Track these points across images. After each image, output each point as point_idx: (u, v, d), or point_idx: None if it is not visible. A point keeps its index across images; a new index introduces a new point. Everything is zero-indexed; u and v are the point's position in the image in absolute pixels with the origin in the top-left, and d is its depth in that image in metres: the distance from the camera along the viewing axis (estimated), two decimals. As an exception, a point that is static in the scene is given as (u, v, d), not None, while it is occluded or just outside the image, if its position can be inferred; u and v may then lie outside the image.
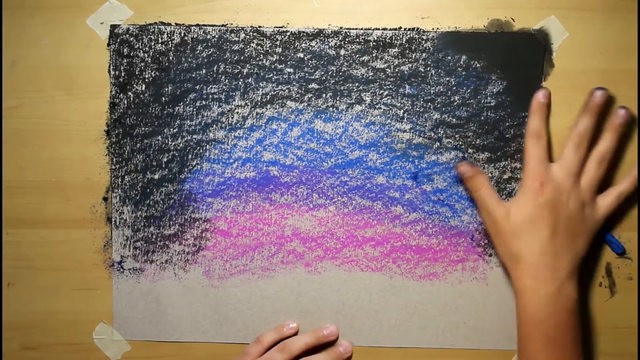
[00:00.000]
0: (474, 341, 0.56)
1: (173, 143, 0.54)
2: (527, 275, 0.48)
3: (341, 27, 0.53)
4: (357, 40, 0.53)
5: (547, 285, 0.47)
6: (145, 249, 0.55)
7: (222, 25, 0.53)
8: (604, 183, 0.51)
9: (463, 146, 0.54)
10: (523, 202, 0.49)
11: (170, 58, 0.53)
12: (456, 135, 0.54)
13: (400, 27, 0.53)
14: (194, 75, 0.53)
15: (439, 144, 0.54)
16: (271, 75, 0.53)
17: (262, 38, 0.53)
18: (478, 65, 0.53)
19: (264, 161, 0.54)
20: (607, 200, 0.51)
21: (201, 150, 0.54)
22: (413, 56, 0.53)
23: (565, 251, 0.48)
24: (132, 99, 0.54)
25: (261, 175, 0.55)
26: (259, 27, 0.53)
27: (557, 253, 0.48)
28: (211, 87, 0.54)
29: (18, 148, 0.54)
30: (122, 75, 0.53)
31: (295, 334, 0.55)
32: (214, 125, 0.54)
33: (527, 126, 0.51)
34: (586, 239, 0.50)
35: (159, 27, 0.53)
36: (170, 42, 0.53)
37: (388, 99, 0.54)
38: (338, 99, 0.54)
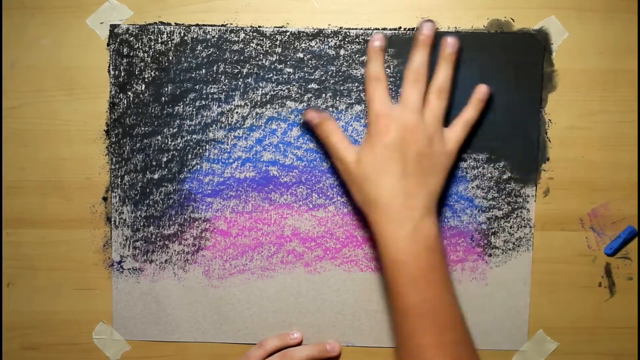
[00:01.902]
0: (474, 341, 0.56)
1: (173, 143, 0.54)
2: (383, 219, 0.47)
3: (341, 27, 0.53)
4: (357, 40, 0.53)
5: (403, 226, 0.47)
6: (145, 248, 0.55)
7: (222, 25, 0.53)
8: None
9: (463, 146, 0.54)
10: (370, 146, 0.49)
11: (170, 58, 0.53)
12: (456, 135, 0.54)
13: (400, 27, 0.53)
14: (193, 75, 0.53)
15: (438, 144, 0.54)
16: (271, 75, 0.53)
17: (261, 38, 0.53)
18: (478, 65, 0.53)
19: (263, 161, 0.54)
20: (454, 132, 0.50)
21: (201, 150, 0.54)
22: (413, 56, 0.53)
23: (418, 189, 0.48)
24: (131, 98, 0.54)
25: (261, 175, 0.55)
26: (259, 27, 0.53)
27: (410, 192, 0.47)
28: (211, 87, 0.54)
29: (18, 148, 0.54)
30: (122, 75, 0.53)
31: (299, 344, 0.55)
32: (214, 125, 0.54)
33: (365, 71, 0.51)
34: (439, 174, 0.49)
35: (159, 27, 0.53)
36: (170, 42, 0.53)
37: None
38: (338, 99, 0.54)
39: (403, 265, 0.47)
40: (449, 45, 0.51)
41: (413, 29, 0.53)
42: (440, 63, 0.51)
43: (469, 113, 0.51)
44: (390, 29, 0.53)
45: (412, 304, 0.46)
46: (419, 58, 0.50)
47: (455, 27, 0.53)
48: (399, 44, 0.53)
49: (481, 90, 0.51)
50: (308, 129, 0.53)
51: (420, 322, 0.46)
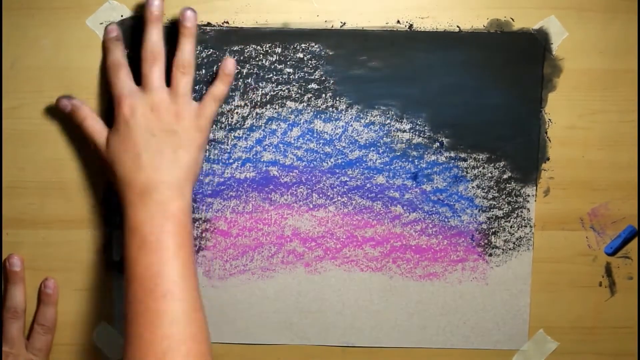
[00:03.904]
0: (474, 341, 0.56)
1: (173, 143, 0.54)
2: (128, 193, 0.47)
3: (341, 27, 0.53)
4: (357, 40, 0.53)
5: (144, 195, 0.47)
6: (145, 249, 0.55)
7: (222, 26, 0.53)
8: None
9: (463, 146, 0.54)
10: (117, 129, 0.49)
11: (170, 58, 0.53)
12: (456, 135, 0.54)
13: (400, 27, 0.53)
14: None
15: (438, 144, 0.54)
16: (271, 75, 0.53)
17: (261, 38, 0.53)
18: (478, 65, 0.53)
19: (263, 161, 0.54)
20: (205, 107, 0.50)
21: (201, 151, 0.54)
22: (413, 56, 0.53)
23: (165, 164, 0.48)
24: (132, 99, 0.54)
25: (261, 176, 0.55)
26: (259, 27, 0.53)
27: (155, 168, 0.47)
28: (211, 88, 0.53)
29: (18, 148, 0.54)
30: (122, 75, 0.53)
31: None
32: (214, 126, 0.54)
33: (106, 61, 0.51)
34: (191, 149, 0.49)
35: (159, 27, 0.53)
36: (169, 43, 0.53)
37: (388, 98, 0.53)
38: (338, 99, 0.54)
39: (136, 230, 0.46)
40: (187, 19, 0.50)
41: (413, 28, 0.53)
42: (180, 39, 0.50)
43: (218, 88, 0.51)
44: (389, 29, 0.53)
45: (139, 269, 0.45)
46: (153, 36, 0.49)
47: (456, 27, 0.53)
48: (399, 44, 0.53)
49: (227, 64, 0.51)
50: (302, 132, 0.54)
51: (142, 286, 0.45)
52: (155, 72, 0.49)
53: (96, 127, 0.50)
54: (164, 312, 0.44)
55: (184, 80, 0.49)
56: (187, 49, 0.50)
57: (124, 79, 0.50)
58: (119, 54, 0.51)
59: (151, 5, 0.49)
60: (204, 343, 0.45)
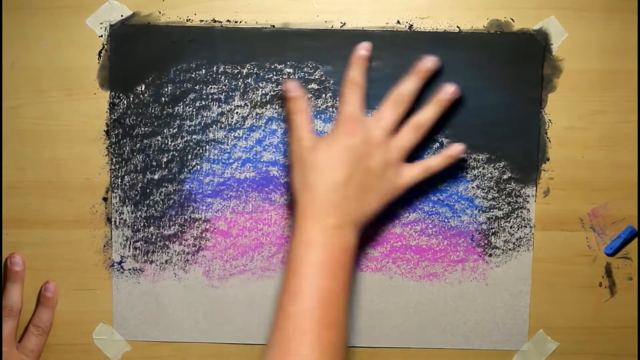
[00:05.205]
0: (474, 341, 0.56)
1: (173, 143, 0.54)
2: (313, 205, 0.47)
3: (341, 27, 0.53)
4: (357, 40, 0.53)
5: (329, 217, 0.47)
6: (145, 249, 0.55)
7: (222, 26, 0.53)
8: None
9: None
10: (331, 140, 0.49)
11: (170, 58, 0.53)
12: (456, 135, 0.54)
13: (400, 27, 0.53)
14: (193, 75, 0.53)
15: (438, 144, 0.54)
16: (271, 75, 0.53)
17: (261, 38, 0.53)
18: (478, 65, 0.53)
19: (263, 161, 0.54)
20: (413, 171, 0.50)
21: (201, 151, 0.54)
22: (413, 56, 0.53)
23: (355, 199, 0.48)
24: (131, 99, 0.54)
25: (261, 176, 0.55)
26: (259, 27, 0.53)
27: (347, 197, 0.47)
28: (211, 88, 0.53)
29: (18, 148, 0.54)
30: (122, 75, 0.53)
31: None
32: (214, 126, 0.54)
33: (346, 75, 0.51)
34: (379, 199, 0.49)
35: (159, 27, 0.53)
36: (169, 42, 0.53)
37: (388, 99, 0.53)
38: (337, 99, 0.54)
39: (314, 249, 0.46)
40: (447, 92, 0.51)
41: (412, 28, 0.53)
42: (431, 103, 0.51)
43: (435, 162, 0.51)
44: (389, 29, 0.53)
45: (308, 288, 0.45)
46: (409, 85, 0.50)
47: (456, 27, 0.53)
48: (399, 44, 0.53)
49: (455, 148, 0.52)
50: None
51: (310, 307, 0.45)
52: (392, 115, 0.50)
53: (308, 126, 0.50)
54: (325, 341, 0.44)
55: (411, 138, 0.50)
56: (430, 115, 0.51)
57: (357, 100, 0.50)
58: (361, 74, 0.51)
59: (426, 62, 0.51)
60: None
